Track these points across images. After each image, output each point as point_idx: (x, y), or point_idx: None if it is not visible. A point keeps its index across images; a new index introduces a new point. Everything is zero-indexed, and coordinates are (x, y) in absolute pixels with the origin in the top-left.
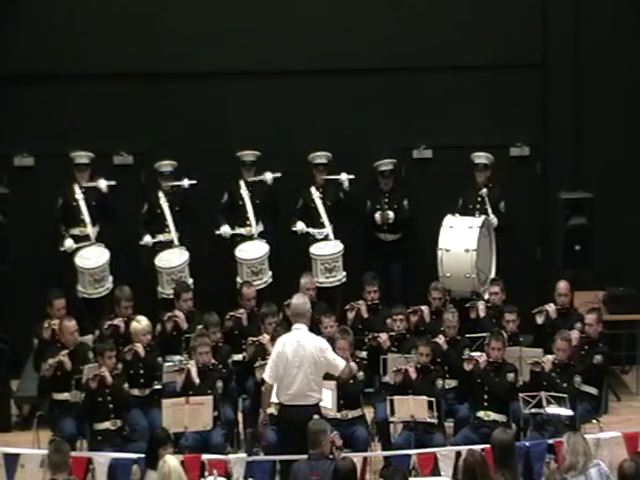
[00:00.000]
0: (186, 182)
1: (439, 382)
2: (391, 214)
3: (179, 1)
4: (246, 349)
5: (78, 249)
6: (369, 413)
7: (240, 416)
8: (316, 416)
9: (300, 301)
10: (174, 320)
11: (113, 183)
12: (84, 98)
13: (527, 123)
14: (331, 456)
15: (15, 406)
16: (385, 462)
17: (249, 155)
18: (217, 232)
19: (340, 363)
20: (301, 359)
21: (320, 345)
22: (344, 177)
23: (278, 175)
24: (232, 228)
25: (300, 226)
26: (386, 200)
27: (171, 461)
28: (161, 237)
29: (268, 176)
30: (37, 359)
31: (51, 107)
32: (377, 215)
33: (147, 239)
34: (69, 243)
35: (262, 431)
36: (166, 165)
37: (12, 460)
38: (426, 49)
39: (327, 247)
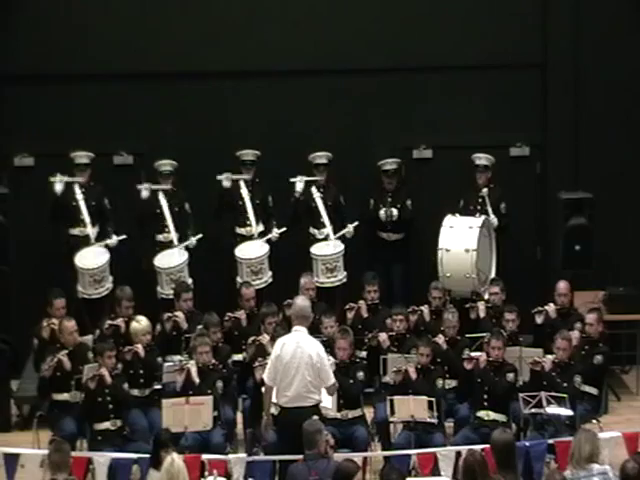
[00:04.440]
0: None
1: (439, 382)
2: (395, 211)
3: (179, 1)
4: (246, 349)
5: (77, 248)
6: (369, 413)
7: (240, 416)
8: (315, 417)
9: (304, 304)
10: (174, 320)
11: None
12: (84, 98)
13: (527, 123)
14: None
15: (15, 406)
16: (385, 462)
17: (249, 154)
18: (218, 177)
19: (331, 377)
20: (299, 361)
21: (318, 350)
22: (350, 227)
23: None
24: (234, 224)
25: (299, 183)
26: (390, 199)
27: (179, 462)
28: (161, 237)
29: (274, 232)
30: (37, 359)
31: (51, 107)
32: (382, 212)
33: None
34: (59, 186)
35: (265, 434)
36: (166, 165)
37: (12, 460)
38: (426, 49)
39: (328, 247)
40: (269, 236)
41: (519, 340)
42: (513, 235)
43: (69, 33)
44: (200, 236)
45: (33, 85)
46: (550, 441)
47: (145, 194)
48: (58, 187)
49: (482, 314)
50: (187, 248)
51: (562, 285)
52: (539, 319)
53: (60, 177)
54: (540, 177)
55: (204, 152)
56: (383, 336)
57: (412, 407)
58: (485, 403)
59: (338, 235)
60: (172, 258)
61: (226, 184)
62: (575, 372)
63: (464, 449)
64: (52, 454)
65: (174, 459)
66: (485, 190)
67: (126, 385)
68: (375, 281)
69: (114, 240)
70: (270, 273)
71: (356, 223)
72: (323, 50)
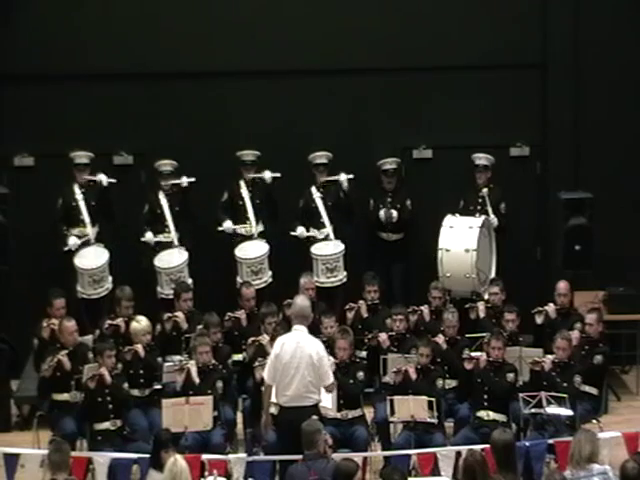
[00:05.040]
0: (185, 180)
1: (439, 382)
2: (395, 213)
3: (179, 1)
4: (246, 349)
5: (78, 249)
6: (369, 413)
7: (240, 416)
8: (314, 417)
9: (304, 303)
10: (174, 320)
11: (113, 181)
12: (84, 98)
13: (527, 123)
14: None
15: (15, 406)
16: (385, 462)
17: (249, 155)
18: (219, 228)
19: (330, 376)
20: (299, 361)
21: (318, 349)
22: (343, 177)
23: (277, 175)
24: (234, 223)
25: (300, 231)
26: (389, 199)
27: (182, 462)
28: (161, 237)
29: (267, 175)
30: (37, 359)
31: (51, 107)
32: (381, 212)
33: (149, 236)
34: (73, 241)
35: (265, 433)
36: (166, 165)
37: (12, 460)
38: (426, 49)
39: (328, 247)
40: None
41: (519, 340)
42: (513, 235)
43: (69, 33)
44: (193, 180)
45: (33, 85)
46: (550, 441)
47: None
48: (72, 243)
49: (482, 314)
50: (187, 249)
51: (562, 285)
52: (539, 319)
53: (74, 240)
54: (540, 177)
55: (204, 152)
56: (383, 336)
57: (412, 407)
58: (485, 403)
59: (331, 179)
60: (172, 258)
61: (227, 227)
62: (575, 372)
63: (464, 449)
64: (52, 454)
65: (177, 459)
66: (485, 190)
67: (126, 385)
68: (375, 281)
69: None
70: (270, 273)
71: (351, 175)
72: (323, 50)
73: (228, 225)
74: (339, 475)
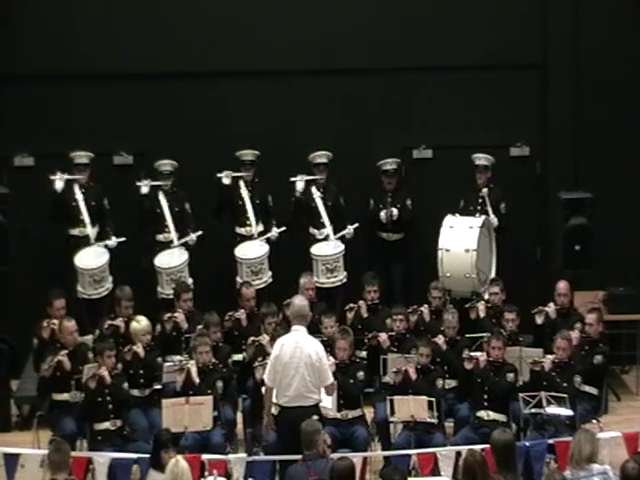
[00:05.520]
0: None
1: (439, 382)
2: (395, 211)
3: (179, 1)
4: (246, 349)
5: (77, 248)
6: (369, 413)
7: (240, 416)
8: (315, 417)
9: (302, 303)
10: (174, 320)
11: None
12: (84, 98)
13: (527, 123)
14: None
15: (15, 406)
16: (385, 462)
17: (248, 155)
18: (218, 175)
19: (329, 377)
20: (298, 361)
21: (317, 349)
22: (350, 229)
23: None
24: (234, 224)
25: (300, 182)
26: (390, 199)
27: (183, 463)
28: (161, 237)
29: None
30: (37, 359)
31: (51, 107)
32: (382, 214)
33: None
34: (59, 184)
35: (266, 435)
36: (166, 165)
37: (12, 460)
38: (426, 49)
39: (328, 247)
40: (268, 235)
41: (519, 340)
42: (513, 235)
43: (69, 33)
44: (200, 233)
45: (33, 85)
46: (550, 441)
47: (145, 190)
48: (58, 185)
49: (482, 314)
50: (187, 248)
51: (562, 285)
52: (539, 319)
53: (60, 175)
54: (540, 177)
55: (204, 152)
56: (383, 336)
57: (412, 407)
58: (485, 403)
59: (338, 236)
60: (172, 258)
61: (226, 181)
62: (575, 372)
63: (464, 449)
64: (52, 454)
65: (178, 460)
66: (485, 190)
67: (126, 385)
68: (375, 281)
69: (113, 242)
70: (270, 273)
71: (356, 225)
72: (323, 50)
73: (227, 173)
74: (336, 476)
